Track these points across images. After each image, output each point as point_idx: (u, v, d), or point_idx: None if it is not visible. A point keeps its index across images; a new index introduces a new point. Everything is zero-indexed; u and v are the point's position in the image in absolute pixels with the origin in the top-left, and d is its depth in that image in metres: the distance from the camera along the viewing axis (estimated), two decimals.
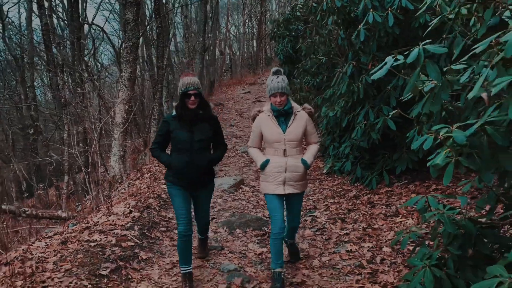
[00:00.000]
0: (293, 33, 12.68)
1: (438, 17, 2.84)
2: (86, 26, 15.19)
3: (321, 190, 6.73)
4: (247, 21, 33.38)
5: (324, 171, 7.55)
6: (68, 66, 9.17)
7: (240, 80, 25.93)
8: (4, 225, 4.73)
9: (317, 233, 4.95)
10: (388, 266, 3.90)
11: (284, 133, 3.53)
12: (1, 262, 3.84)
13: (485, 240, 2.83)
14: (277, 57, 13.53)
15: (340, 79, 6.21)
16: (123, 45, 9.70)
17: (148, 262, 4.10)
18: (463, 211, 3.61)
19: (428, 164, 2.25)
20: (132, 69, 8.92)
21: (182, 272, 3.57)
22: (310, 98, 10.02)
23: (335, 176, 7.11)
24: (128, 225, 4.69)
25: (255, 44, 33.02)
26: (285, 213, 3.73)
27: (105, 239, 4.25)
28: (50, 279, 3.46)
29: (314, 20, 8.00)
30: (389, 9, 5.06)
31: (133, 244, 4.30)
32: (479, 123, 2.06)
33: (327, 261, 4.14)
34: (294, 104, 3.61)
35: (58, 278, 3.48)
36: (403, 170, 5.65)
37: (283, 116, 3.56)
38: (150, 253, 4.31)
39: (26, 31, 15.37)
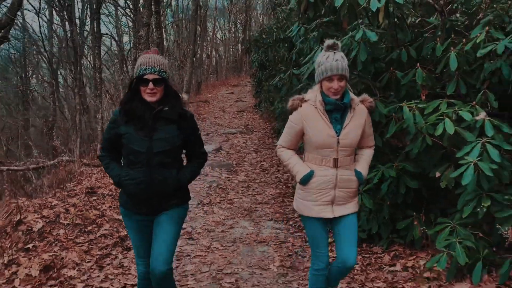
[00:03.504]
0: (265, 46, 16.30)
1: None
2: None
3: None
4: (232, 28, 36.83)
5: None
6: (96, 69, 12.75)
7: (225, 81, 29.48)
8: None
9: None
10: None
11: (338, 135, 2.52)
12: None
13: None
14: (253, 64, 17.07)
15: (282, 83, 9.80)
16: (136, 54, 13.14)
17: None
18: None
19: None
20: None
21: None
22: (274, 97, 13.61)
23: None
24: None
25: (240, 48, 36.61)
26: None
27: None
28: None
29: (273, 42, 11.62)
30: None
31: None
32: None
33: None
34: (353, 95, 2.59)
35: None
36: None
37: (338, 111, 2.53)
38: None
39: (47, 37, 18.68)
